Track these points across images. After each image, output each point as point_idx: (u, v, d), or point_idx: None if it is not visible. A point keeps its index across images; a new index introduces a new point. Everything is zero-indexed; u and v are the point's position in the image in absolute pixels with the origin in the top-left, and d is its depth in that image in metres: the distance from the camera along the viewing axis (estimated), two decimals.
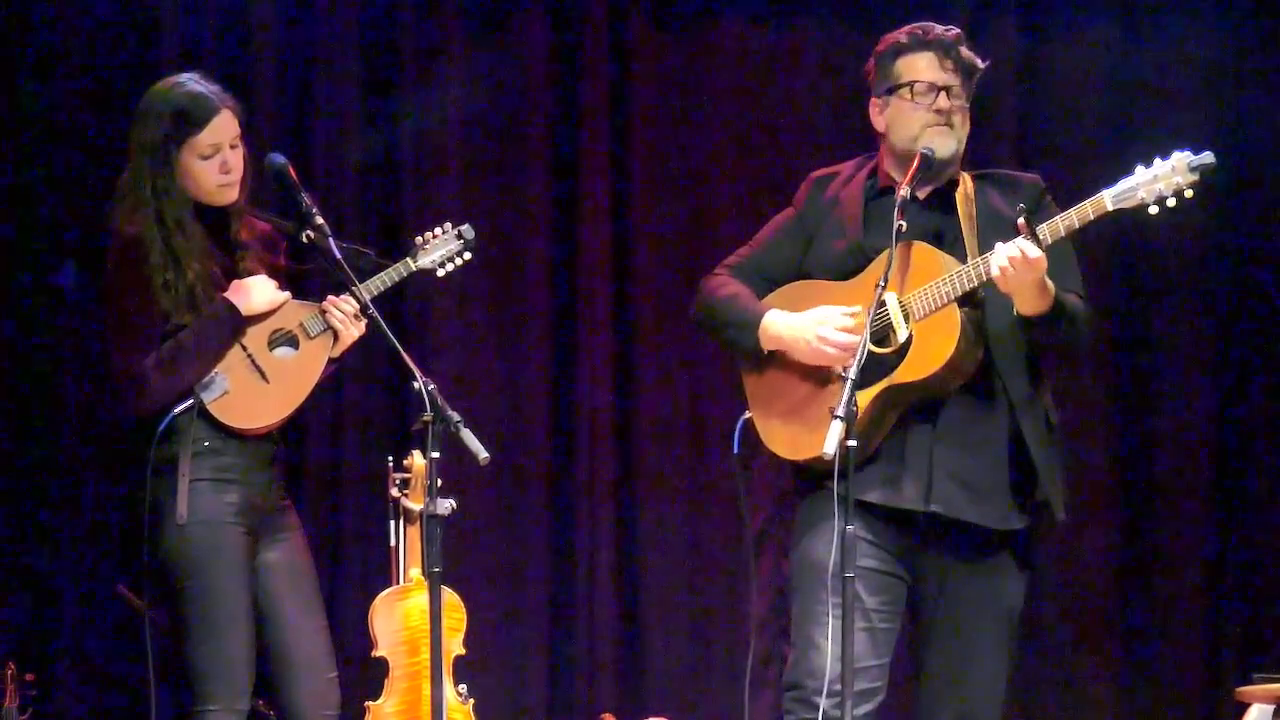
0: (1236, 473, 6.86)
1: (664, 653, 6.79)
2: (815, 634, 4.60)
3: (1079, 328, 4.67)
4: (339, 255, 4.79)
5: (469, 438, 4.49)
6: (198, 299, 4.89)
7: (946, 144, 4.71)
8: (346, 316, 4.99)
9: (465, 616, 5.80)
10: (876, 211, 4.74)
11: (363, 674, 5.77)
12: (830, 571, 4.51)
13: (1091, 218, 4.49)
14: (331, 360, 5.07)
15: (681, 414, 6.86)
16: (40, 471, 6.45)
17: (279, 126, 6.57)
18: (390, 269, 5.16)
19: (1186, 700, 6.82)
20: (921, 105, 4.72)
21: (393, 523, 5.88)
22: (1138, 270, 6.82)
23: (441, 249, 5.29)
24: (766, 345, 4.77)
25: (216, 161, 4.94)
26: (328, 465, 6.61)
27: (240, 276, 4.97)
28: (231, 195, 4.98)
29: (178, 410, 4.84)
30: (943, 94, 4.71)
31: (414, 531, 5.82)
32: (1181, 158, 4.42)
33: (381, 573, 5.96)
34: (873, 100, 4.82)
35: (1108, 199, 4.47)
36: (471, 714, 5.78)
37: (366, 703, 5.72)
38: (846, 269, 4.74)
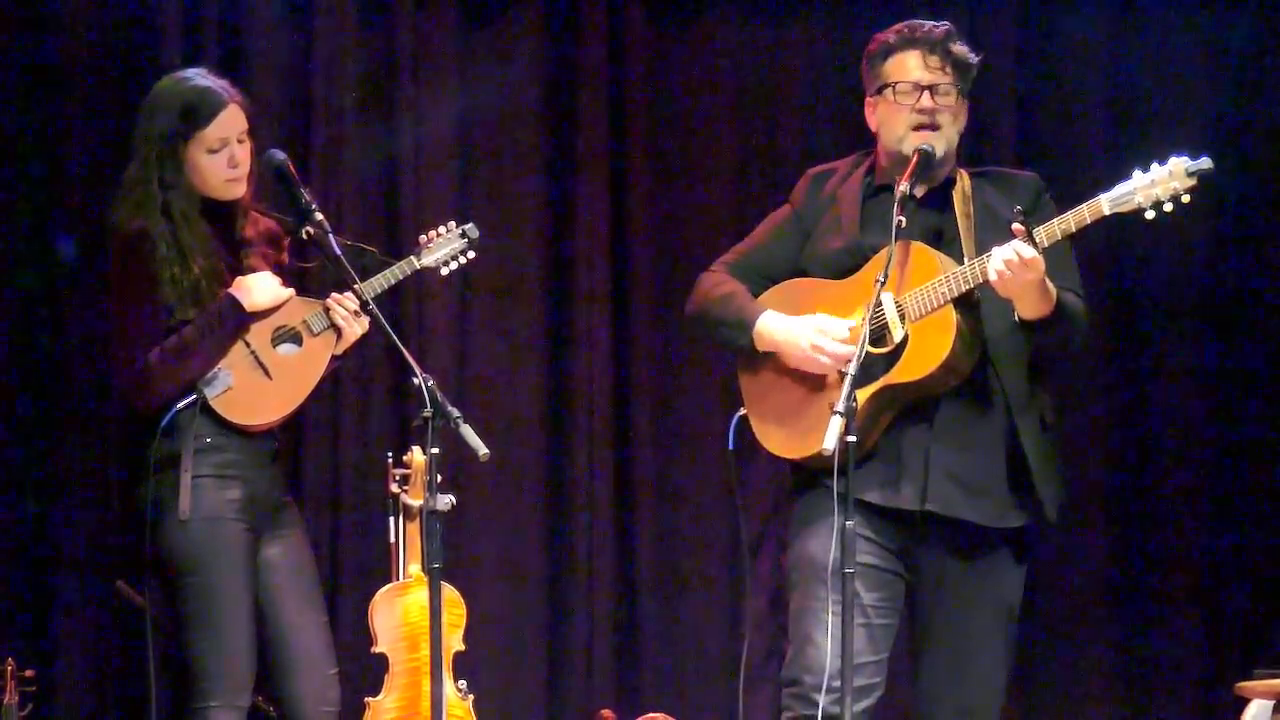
0: (1235, 469, 6.87)
1: (662, 649, 6.79)
2: (813, 630, 4.61)
3: (1078, 327, 4.67)
4: (338, 251, 4.79)
5: (468, 433, 4.49)
6: (202, 294, 4.89)
7: (934, 146, 4.70)
8: (349, 314, 5.00)
9: (465, 612, 5.80)
10: (874, 209, 4.74)
11: (362, 670, 5.77)
12: (829, 568, 4.51)
13: (1089, 222, 4.49)
14: (335, 357, 5.07)
15: (679, 411, 6.86)
16: (39, 467, 6.45)
17: (280, 127, 6.56)
18: (394, 267, 5.17)
19: (1186, 695, 6.83)
20: (905, 106, 4.71)
21: (392, 519, 5.88)
22: (1135, 271, 6.82)
23: (445, 248, 5.29)
24: (761, 347, 4.77)
25: (224, 156, 4.94)
26: (327, 461, 6.61)
27: (244, 273, 4.97)
28: (239, 190, 4.98)
29: (180, 406, 4.84)
30: (926, 94, 4.70)
31: (413, 527, 5.82)
32: (1179, 163, 4.42)
33: (381, 569, 5.96)
34: (868, 100, 4.82)
35: (1105, 203, 4.47)
36: (471, 710, 5.78)
37: (366, 699, 5.72)
38: (843, 267, 4.75)
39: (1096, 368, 6.75)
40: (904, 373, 4.61)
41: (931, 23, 4.79)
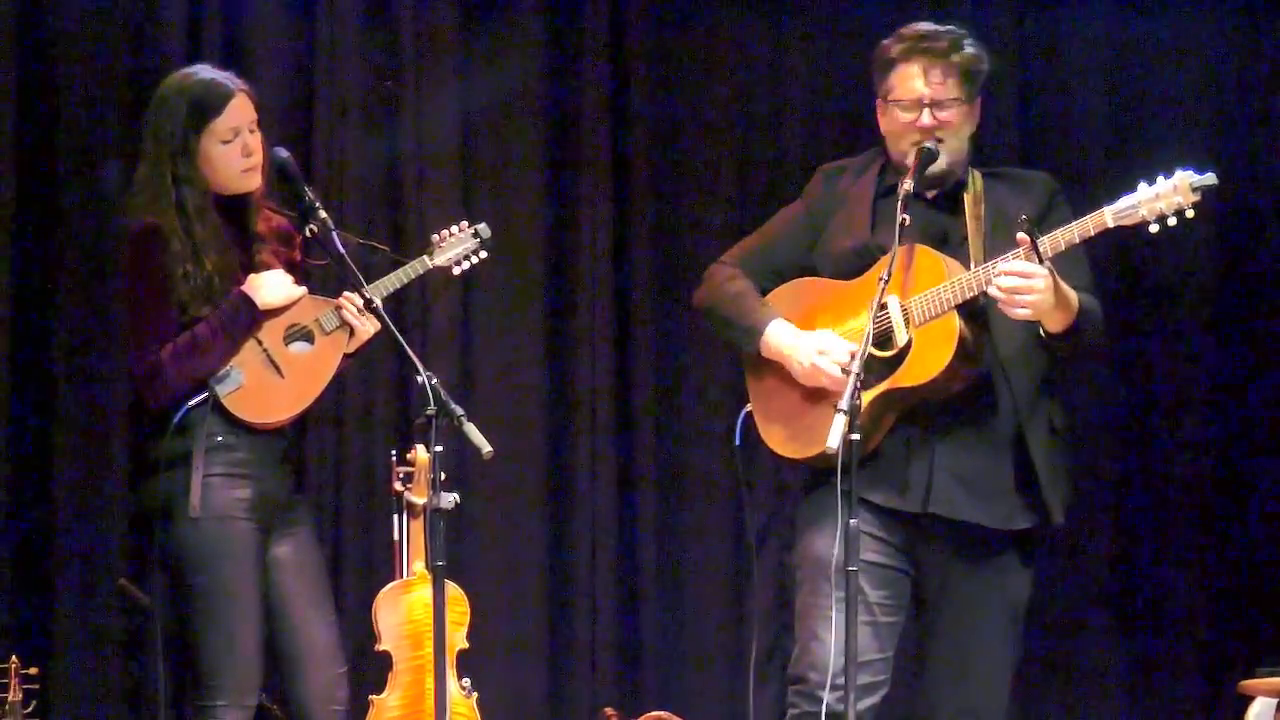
0: (1240, 467, 6.87)
1: (665, 647, 6.79)
2: (819, 627, 4.61)
3: (1100, 328, 4.66)
4: (342, 250, 4.79)
5: (472, 432, 4.49)
6: (215, 292, 4.88)
7: (935, 162, 4.68)
8: (361, 312, 4.99)
9: (468, 610, 5.80)
10: (885, 209, 4.72)
11: (366, 668, 5.77)
12: (833, 566, 4.51)
13: (1092, 233, 4.48)
14: (347, 356, 5.07)
15: (682, 409, 6.86)
16: (42, 465, 6.45)
17: (281, 125, 6.56)
18: (406, 266, 5.17)
19: (1189, 694, 6.83)
20: (908, 120, 4.69)
21: (396, 517, 5.88)
22: (1139, 269, 6.82)
23: (457, 247, 5.30)
24: (766, 355, 4.78)
25: (237, 145, 4.93)
26: (331, 459, 6.62)
27: (258, 270, 4.96)
28: (255, 180, 4.97)
29: (192, 403, 4.84)
30: (927, 111, 4.67)
31: (417, 525, 5.82)
32: (1184, 177, 4.41)
33: (385, 567, 5.96)
34: (877, 102, 4.81)
35: (1109, 215, 4.46)
36: (475, 708, 5.78)
37: (370, 697, 5.71)
38: (853, 267, 4.74)
39: (1101, 369, 6.75)
40: (906, 377, 4.61)
41: (938, 29, 4.74)
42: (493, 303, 6.78)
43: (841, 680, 4.42)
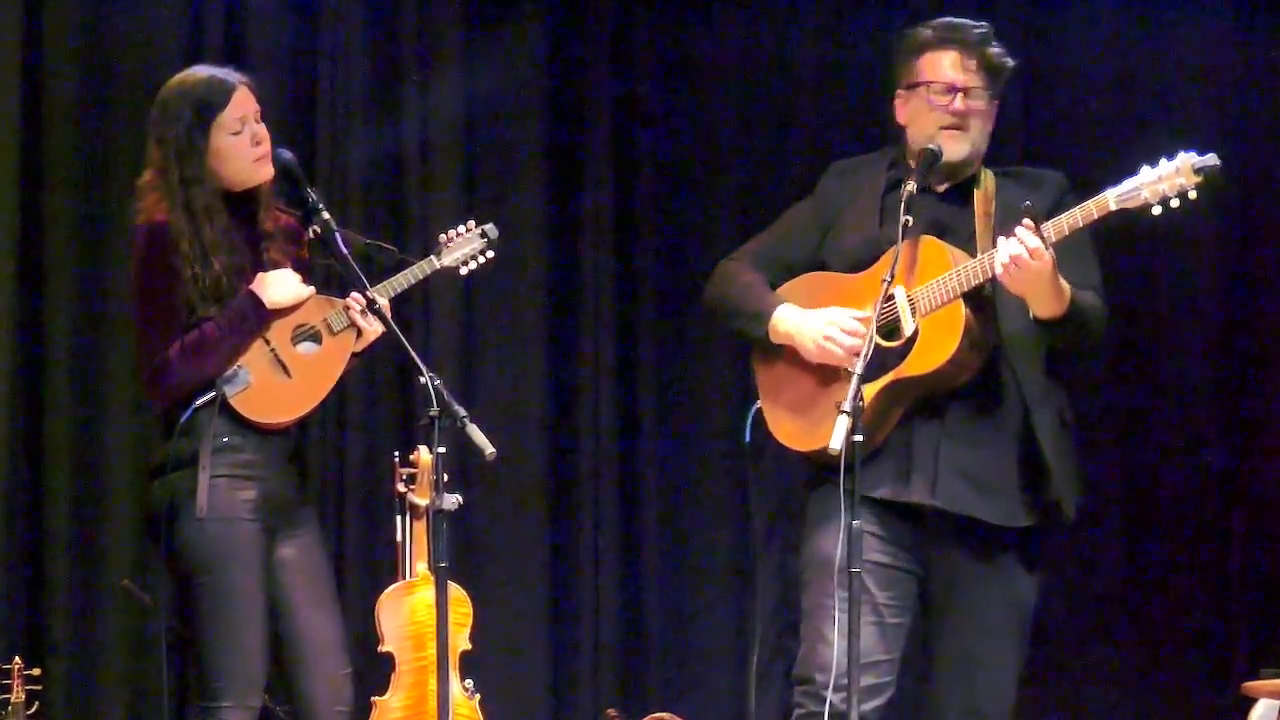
0: (1243, 467, 6.87)
1: (668, 648, 6.80)
2: (825, 628, 4.61)
3: (1095, 327, 4.66)
4: (345, 251, 4.79)
5: (475, 433, 4.49)
6: (223, 291, 4.87)
7: (958, 148, 4.71)
8: (368, 313, 4.98)
9: (471, 611, 5.79)
10: (893, 204, 4.72)
11: (369, 669, 5.76)
12: (837, 565, 4.51)
13: (1095, 217, 4.49)
14: (354, 355, 5.06)
15: (686, 410, 6.86)
16: (44, 466, 6.45)
17: (283, 125, 6.57)
18: (414, 267, 5.17)
19: (1192, 694, 6.82)
20: (938, 106, 4.71)
21: (399, 518, 5.87)
22: (1143, 269, 6.82)
23: (465, 247, 5.29)
24: (775, 339, 4.78)
25: (246, 135, 4.92)
26: (333, 460, 6.62)
27: (266, 269, 4.95)
28: (267, 168, 4.94)
29: (199, 403, 4.83)
30: (960, 95, 4.70)
31: (420, 527, 5.82)
32: (1186, 159, 4.42)
33: (387, 568, 5.96)
34: (898, 92, 4.81)
35: (1111, 198, 4.47)
36: (477, 709, 5.78)
37: (373, 698, 5.71)
38: (861, 260, 4.75)
39: (1107, 366, 6.74)
40: (913, 366, 4.61)
41: (969, 22, 4.78)
42: (496, 303, 6.78)
43: (846, 681, 4.43)
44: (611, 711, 6.18)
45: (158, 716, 5.32)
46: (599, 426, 6.78)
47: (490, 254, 5.33)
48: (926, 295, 4.61)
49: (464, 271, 5.32)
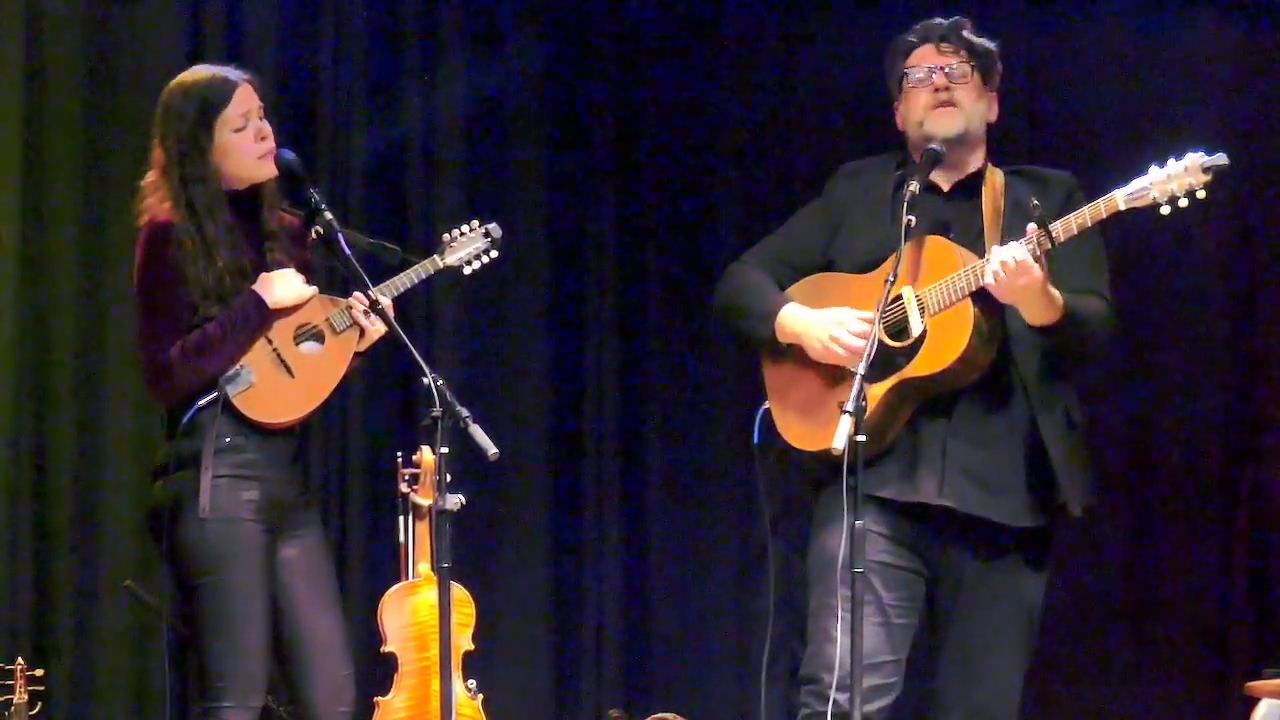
0: (1246, 468, 6.86)
1: (671, 648, 6.80)
2: (830, 628, 4.60)
3: (1094, 334, 4.66)
4: (348, 251, 4.78)
5: (477, 433, 4.48)
6: (226, 290, 4.87)
7: (950, 123, 4.73)
8: (370, 313, 4.98)
9: (474, 612, 5.80)
10: (902, 204, 4.72)
11: (371, 669, 5.77)
12: (841, 565, 4.51)
13: (1104, 216, 4.49)
14: (357, 355, 5.06)
15: (688, 409, 6.86)
16: (46, 466, 6.45)
17: (285, 127, 6.56)
18: (417, 266, 5.16)
19: (1195, 694, 6.82)
20: (922, 89, 4.76)
21: (401, 518, 5.88)
22: (1147, 267, 6.82)
23: (468, 247, 5.29)
24: (782, 338, 4.78)
25: (251, 131, 4.92)
26: (336, 461, 6.62)
27: (269, 268, 4.94)
28: (272, 166, 4.95)
29: (202, 403, 4.82)
30: (939, 73, 4.75)
31: (423, 527, 5.82)
32: (1194, 158, 4.42)
33: (390, 568, 5.96)
34: (895, 103, 4.85)
35: (1120, 198, 4.48)
36: (480, 709, 5.78)
37: (375, 698, 5.71)
38: (870, 261, 4.75)
39: (1110, 365, 6.74)
40: (921, 366, 4.61)
41: (940, 18, 4.84)
42: (499, 303, 6.78)
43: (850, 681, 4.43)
44: (614, 712, 6.18)
45: (160, 717, 5.33)
46: (603, 427, 6.79)
47: (494, 253, 5.33)
48: (935, 295, 4.61)
49: (467, 271, 5.32)
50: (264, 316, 4.89)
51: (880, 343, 4.52)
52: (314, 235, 4.86)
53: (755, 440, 4.88)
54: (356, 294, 4.96)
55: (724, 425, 6.75)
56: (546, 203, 6.82)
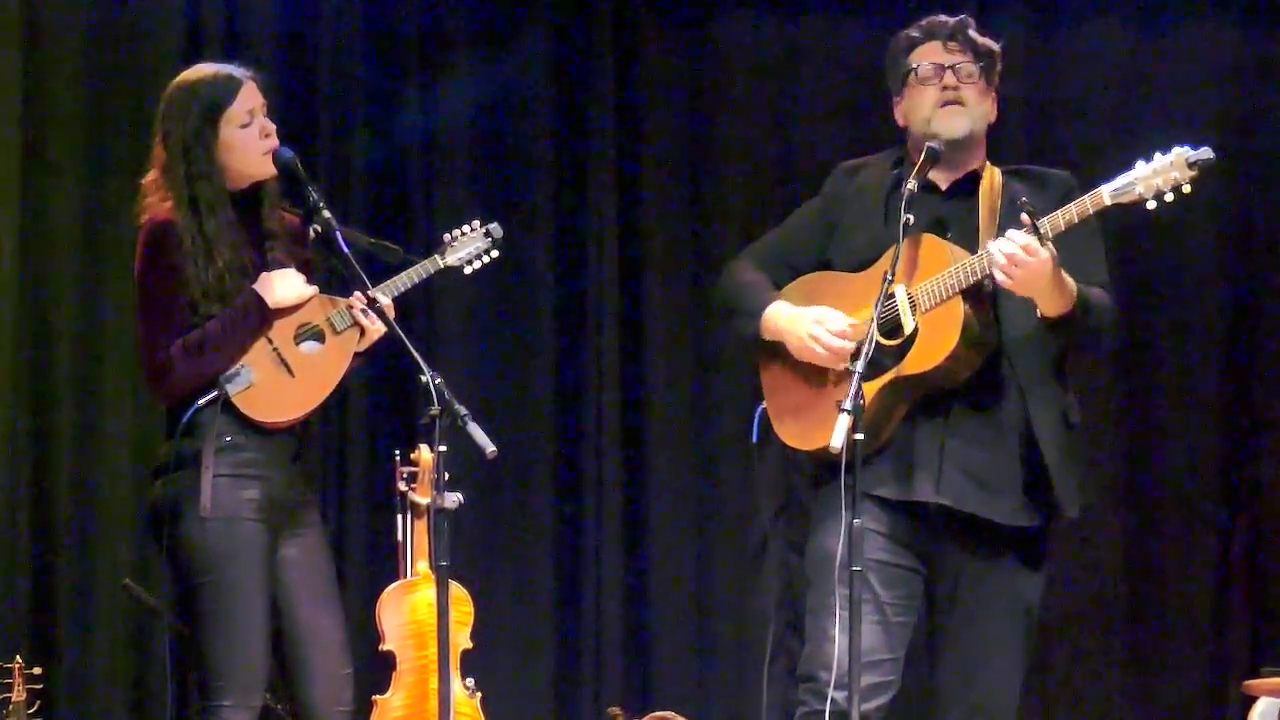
0: (1244, 467, 6.87)
1: (671, 647, 6.80)
2: (828, 626, 4.60)
3: (1103, 323, 4.66)
4: (346, 250, 4.79)
5: (476, 431, 4.48)
6: (226, 289, 4.86)
7: (958, 123, 4.73)
8: (370, 312, 4.97)
9: (473, 610, 5.80)
10: (898, 203, 4.72)
11: (370, 668, 5.77)
12: (839, 563, 4.52)
13: (1090, 212, 4.49)
14: (357, 355, 5.06)
15: (688, 408, 6.86)
16: (46, 465, 6.45)
17: (285, 126, 6.56)
18: (417, 266, 5.16)
19: (1193, 693, 6.83)
20: (930, 86, 4.75)
21: (400, 516, 5.88)
22: (1145, 266, 6.82)
23: (469, 246, 5.29)
24: (767, 336, 4.79)
25: (255, 127, 4.92)
26: (334, 459, 6.62)
27: (269, 267, 4.94)
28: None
29: (202, 402, 4.82)
30: (949, 72, 4.74)
31: (421, 525, 5.82)
32: (1180, 153, 4.43)
33: (388, 567, 5.96)
34: (894, 98, 4.84)
35: (1105, 193, 4.48)
36: (479, 708, 5.78)
37: (373, 697, 5.72)
38: (866, 260, 4.75)
39: (1108, 362, 6.75)
40: (913, 365, 4.61)
41: (946, 16, 4.83)
42: (499, 301, 6.78)
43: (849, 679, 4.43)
44: (614, 710, 6.18)
45: (159, 716, 5.33)
46: (602, 424, 6.79)
47: (495, 253, 5.33)
48: (925, 293, 4.62)
49: (468, 271, 5.32)
50: (264, 316, 4.89)
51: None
52: (312, 234, 4.86)
53: (753, 439, 4.88)
54: (356, 293, 4.97)
55: (725, 424, 6.75)
56: (548, 202, 6.82)
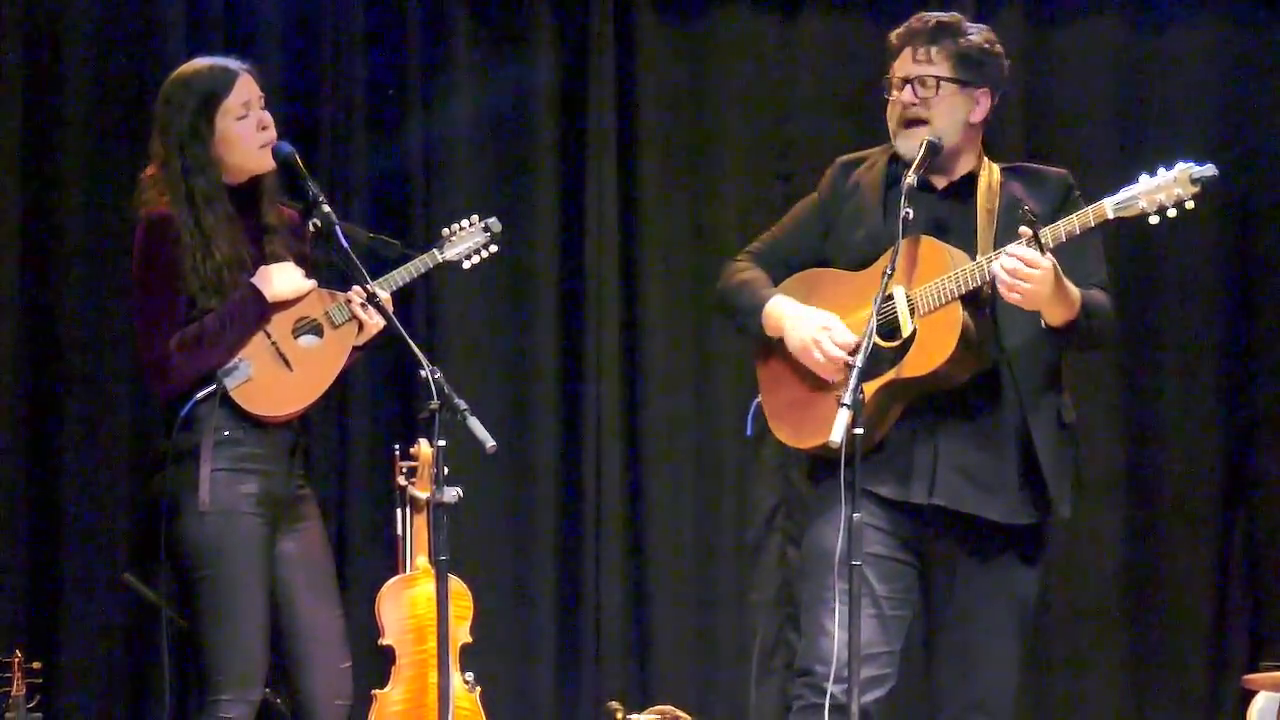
0: (1243, 463, 6.87)
1: (670, 640, 6.79)
2: (825, 620, 4.61)
3: (1107, 325, 4.66)
4: (345, 245, 4.78)
5: (475, 426, 4.49)
6: (224, 283, 4.86)
7: (913, 145, 4.67)
8: (368, 306, 4.97)
9: (472, 604, 5.81)
10: (895, 200, 4.71)
11: (369, 662, 5.77)
12: (837, 558, 4.52)
13: (1092, 224, 4.48)
14: (356, 349, 5.06)
15: (688, 404, 6.86)
16: (47, 459, 6.45)
17: (286, 122, 6.56)
18: (416, 260, 5.16)
19: (1193, 688, 6.83)
20: (894, 102, 4.73)
21: (399, 511, 5.88)
22: (1145, 265, 6.82)
23: (468, 241, 5.29)
24: (768, 330, 4.78)
25: (252, 120, 4.92)
26: (334, 453, 6.62)
27: (267, 261, 4.95)
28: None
29: (200, 396, 4.82)
30: (908, 88, 4.69)
31: (420, 520, 5.83)
32: (1184, 169, 4.41)
33: (388, 561, 5.96)
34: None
35: (1108, 207, 4.47)
36: (478, 702, 5.79)
37: (373, 691, 5.72)
38: (864, 256, 4.74)
39: (1107, 358, 6.74)
40: (910, 368, 4.61)
41: (934, 14, 4.78)
42: (499, 297, 6.78)
43: (846, 673, 4.43)
44: (614, 704, 6.18)
45: (159, 709, 5.32)
46: (602, 420, 6.78)
47: (494, 248, 5.33)
48: (925, 297, 4.61)
49: (467, 265, 5.32)
50: (262, 310, 4.89)
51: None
52: (312, 228, 4.86)
53: (748, 433, 4.88)
54: (355, 288, 4.96)
55: (724, 421, 6.75)
56: (548, 198, 6.82)
